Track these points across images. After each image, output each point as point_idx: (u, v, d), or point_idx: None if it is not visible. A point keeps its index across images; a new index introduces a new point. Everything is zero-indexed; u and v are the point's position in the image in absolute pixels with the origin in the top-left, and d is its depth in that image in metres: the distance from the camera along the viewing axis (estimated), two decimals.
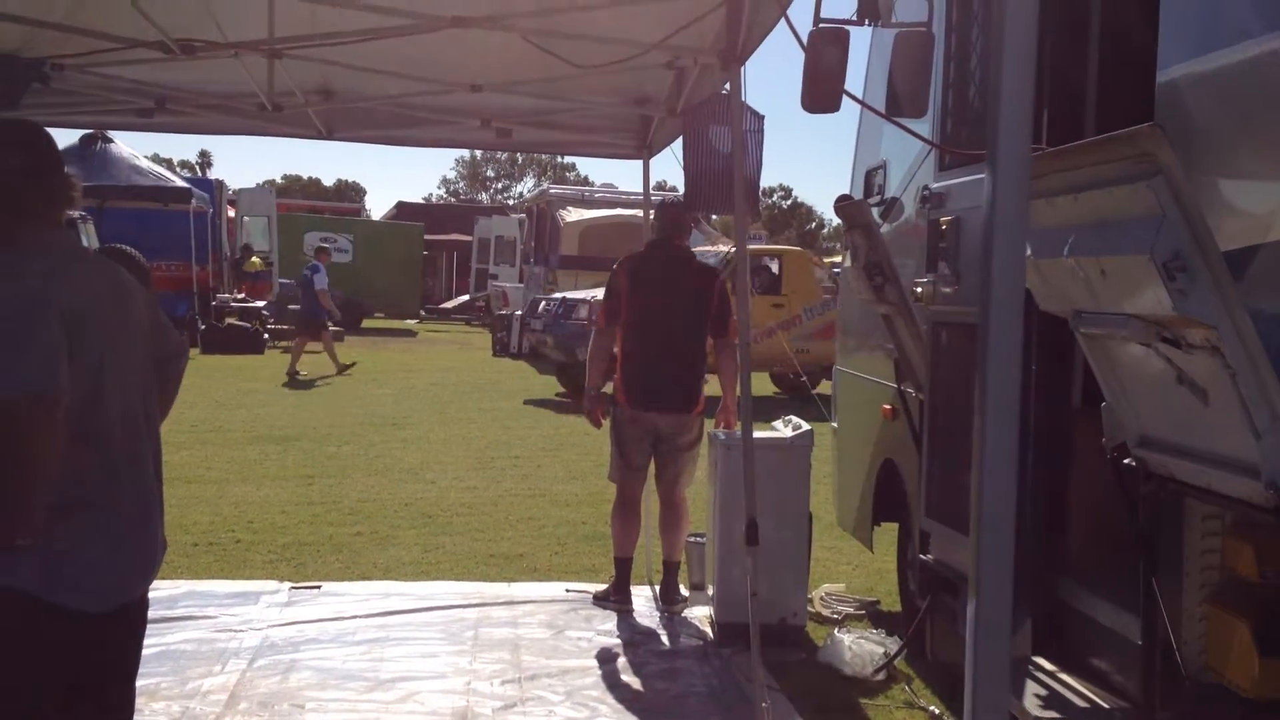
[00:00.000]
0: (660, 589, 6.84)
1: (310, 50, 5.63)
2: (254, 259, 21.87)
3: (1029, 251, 3.51)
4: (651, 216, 6.98)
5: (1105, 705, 4.05)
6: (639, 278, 6.65)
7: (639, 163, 7.54)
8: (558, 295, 18.50)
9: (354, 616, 6.36)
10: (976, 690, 2.17)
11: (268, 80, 5.94)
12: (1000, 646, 2.16)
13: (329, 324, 20.24)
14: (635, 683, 5.58)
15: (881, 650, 5.82)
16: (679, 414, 6.57)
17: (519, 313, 25.09)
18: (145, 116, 6.89)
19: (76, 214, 18.92)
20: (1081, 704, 4.08)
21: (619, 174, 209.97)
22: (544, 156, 76.16)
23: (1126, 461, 3.66)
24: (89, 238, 18.88)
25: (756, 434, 5.89)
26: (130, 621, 3.11)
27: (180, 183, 24.26)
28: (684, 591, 6.87)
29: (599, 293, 15.99)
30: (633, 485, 6.81)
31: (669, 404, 6.57)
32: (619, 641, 6.13)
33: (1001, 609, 2.16)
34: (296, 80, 6.27)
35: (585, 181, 69.90)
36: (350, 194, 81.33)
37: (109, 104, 6.84)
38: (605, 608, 6.70)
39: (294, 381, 18.42)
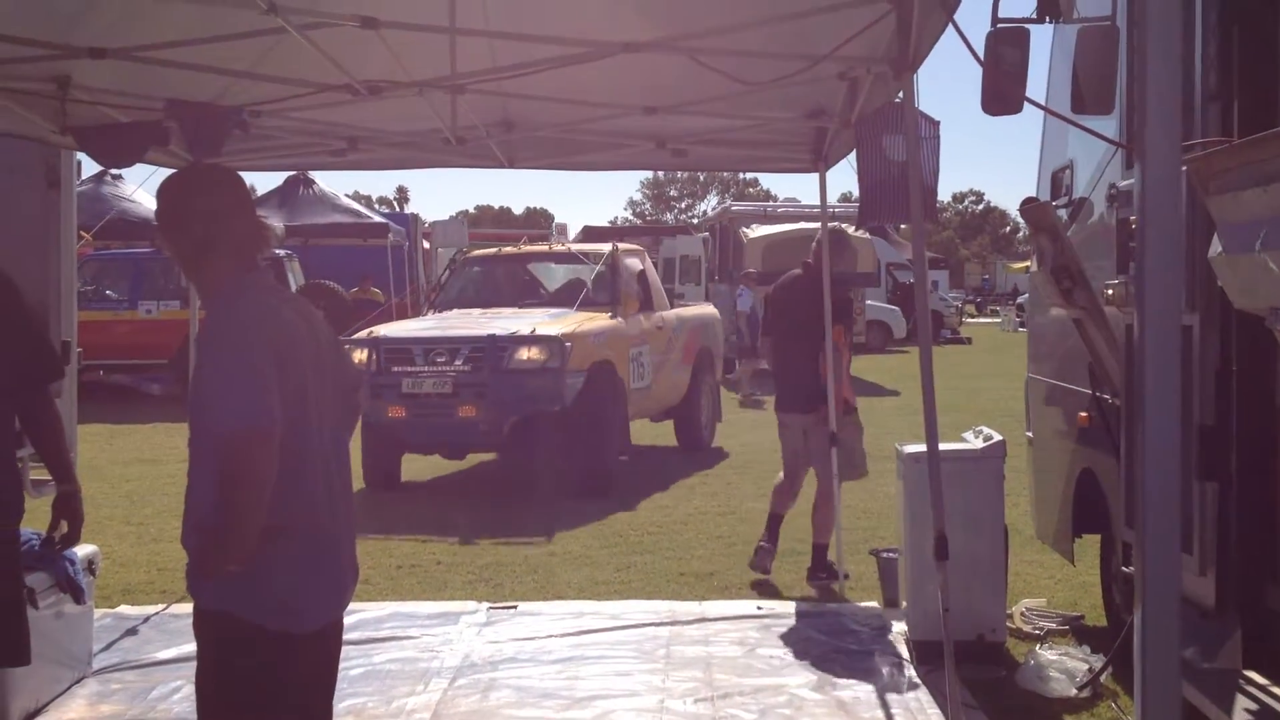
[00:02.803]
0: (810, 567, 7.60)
1: (490, 84, 5.79)
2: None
3: (1219, 248, 3.37)
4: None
5: None
6: (774, 302, 8.08)
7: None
8: (456, 331, 10.97)
9: (550, 636, 6.47)
10: (1146, 708, 2.08)
11: (450, 115, 6.13)
12: (1169, 658, 2.06)
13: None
14: (829, 701, 5.51)
15: (1086, 666, 5.62)
16: (800, 414, 7.63)
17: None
18: (338, 156, 7.21)
19: (283, 252, 19.88)
20: None
21: (801, 188, 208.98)
22: (726, 174, 76.42)
23: None
24: (295, 274, 19.78)
25: (946, 446, 5.79)
26: (330, 641, 3.24)
27: (378, 219, 25.18)
28: (838, 571, 7.52)
29: (554, 327, 10.58)
30: (789, 471, 7.91)
31: (792, 407, 7.71)
32: (812, 659, 6.07)
33: (1168, 619, 2.06)
34: (478, 113, 6.46)
35: (768, 196, 69.77)
36: (539, 221, 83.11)
37: (304, 146, 7.18)
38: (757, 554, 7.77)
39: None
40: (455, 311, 11.93)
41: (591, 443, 10.58)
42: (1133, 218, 4.77)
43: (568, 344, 10.43)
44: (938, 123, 4.86)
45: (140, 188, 18.78)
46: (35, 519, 8.38)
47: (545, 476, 10.66)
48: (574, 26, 5.19)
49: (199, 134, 6.12)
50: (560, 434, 10.52)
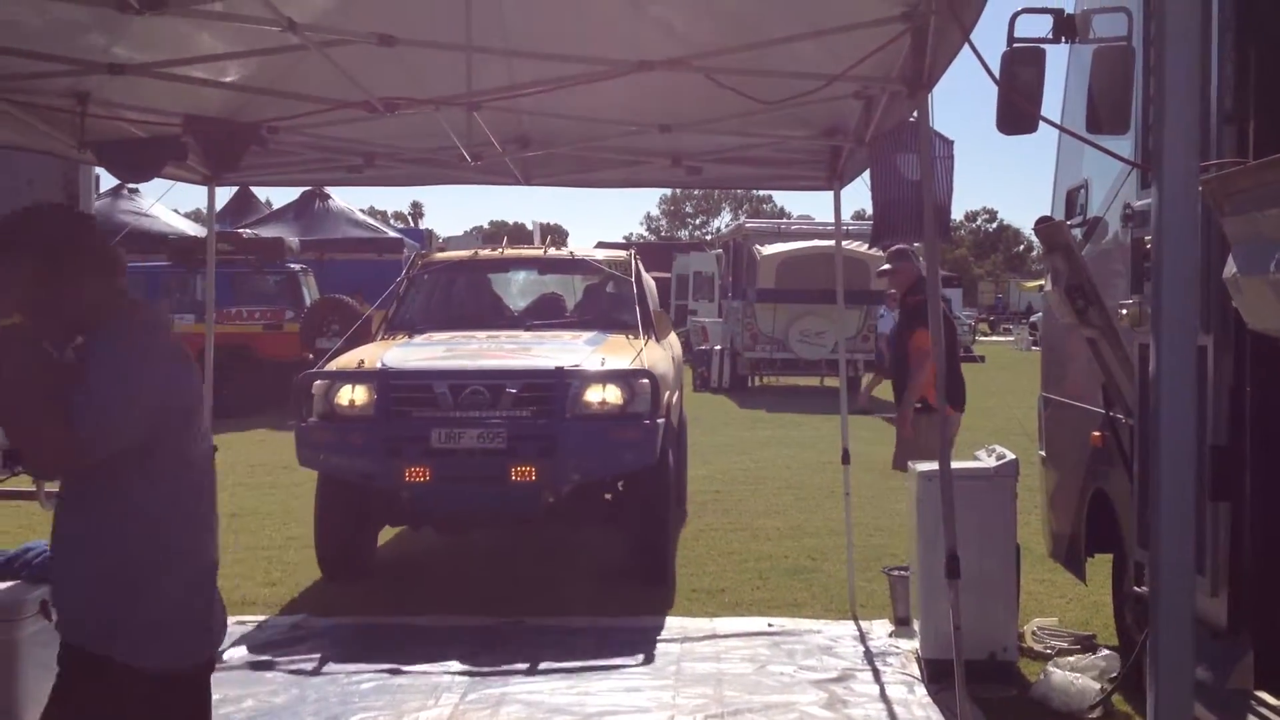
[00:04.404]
0: None
1: (506, 101, 5.82)
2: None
3: (1235, 269, 3.37)
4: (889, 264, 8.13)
5: None
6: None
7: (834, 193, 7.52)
8: (501, 363, 8.04)
9: (560, 650, 6.47)
10: None
11: (466, 132, 6.16)
12: (1183, 685, 2.07)
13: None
14: (840, 719, 5.51)
15: (1098, 686, 5.61)
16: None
17: (714, 346, 25.14)
18: (355, 172, 7.25)
19: (298, 266, 19.95)
20: None
21: (816, 205, 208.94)
22: (740, 190, 76.54)
23: None
24: (310, 289, 19.85)
25: (959, 464, 5.79)
26: (202, 686, 3.12)
27: (393, 234, 25.31)
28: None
29: (622, 358, 7.97)
30: None
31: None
32: (823, 677, 6.07)
33: (1183, 644, 2.07)
34: (494, 130, 6.49)
35: (782, 213, 69.84)
36: (553, 236, 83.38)
37: (321, 162, 7.21)
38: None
39: None
40: (446, 335, 8.77)
41: (653, 514, 7.93)
42: (1147, 238, 4.80)
43: (655, 381, 7.75)
44: (952, 142, 4.88)
45: (158, 202, 18.80)
46: (46, 531, 8.39)
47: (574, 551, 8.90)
48: (591, 45, 5.21)
49: (217, 150, 6.17)
50: (617, 500, 8.19)
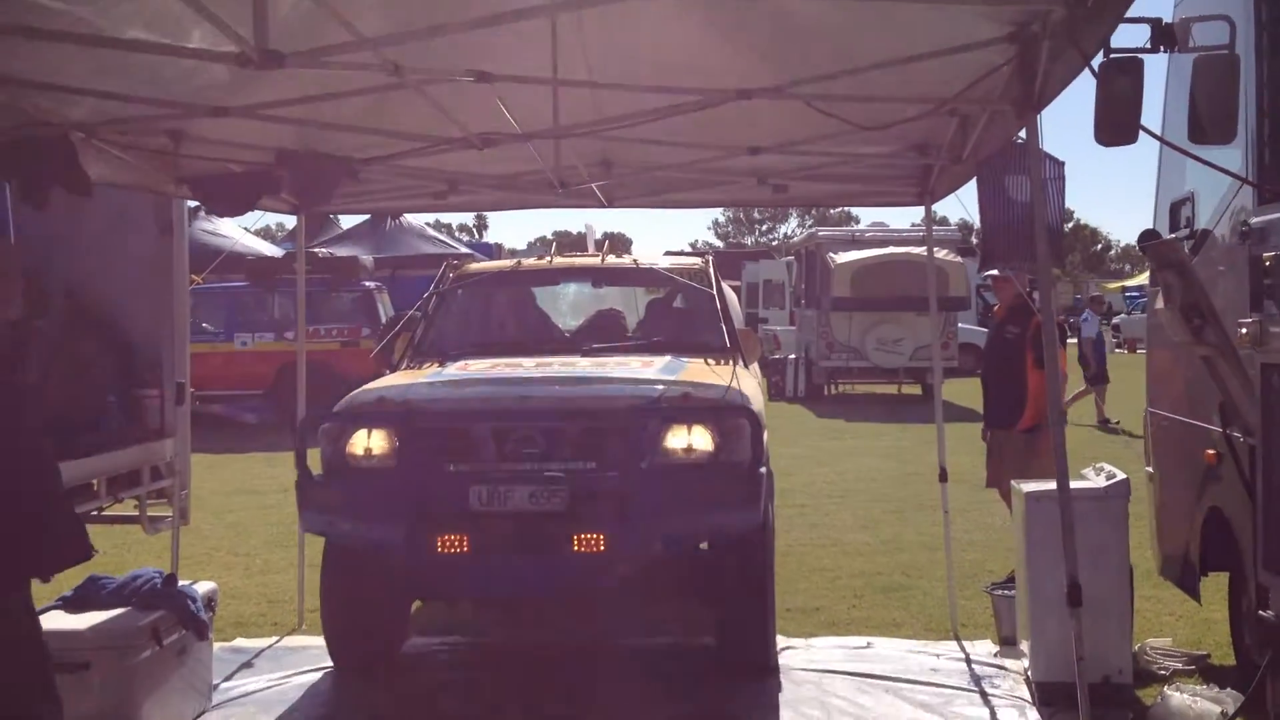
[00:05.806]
0: None
1: (594, 130, 5.79)
2: None
3: None
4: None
5: None
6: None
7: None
8: (553, 393, 6.15)
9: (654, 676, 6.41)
10: None
11: (554, 158, 6.14)
12: None
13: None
14: None
15: (1219, 710, 5.45)
16: None
17: (788, 355, 25.02)
18: (440, 198, 7.29)
19: (373, 284, 20.16)
20: None
21: (889, 211, 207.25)
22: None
23: None
24: (385, 306, 20.03)
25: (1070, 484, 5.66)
26: None
27: (462, 249, 25.47)
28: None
29: (710, 387, 6.08)
30: None
31: None
32: (930, 700, 5.96)
33: None
34: (580, 156, 6.47)
35: (849, 219, 69.30)
36: (618, 246, 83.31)
37: (406, 189, 7.27)
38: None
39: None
40: (485, 364, 6.80)
41: (752, 588, 6.26)
42: (1266, 254, 4.66)
43: (755, 419, 6.00)
44: (1063, 163, 4.77)
45: (249, 231, 19.00)
46: (155, 557, 8.50)
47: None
48: (678, 75, 5.13)
49: (311, 184, 6.21)
50: (703, 566, 6.33)
